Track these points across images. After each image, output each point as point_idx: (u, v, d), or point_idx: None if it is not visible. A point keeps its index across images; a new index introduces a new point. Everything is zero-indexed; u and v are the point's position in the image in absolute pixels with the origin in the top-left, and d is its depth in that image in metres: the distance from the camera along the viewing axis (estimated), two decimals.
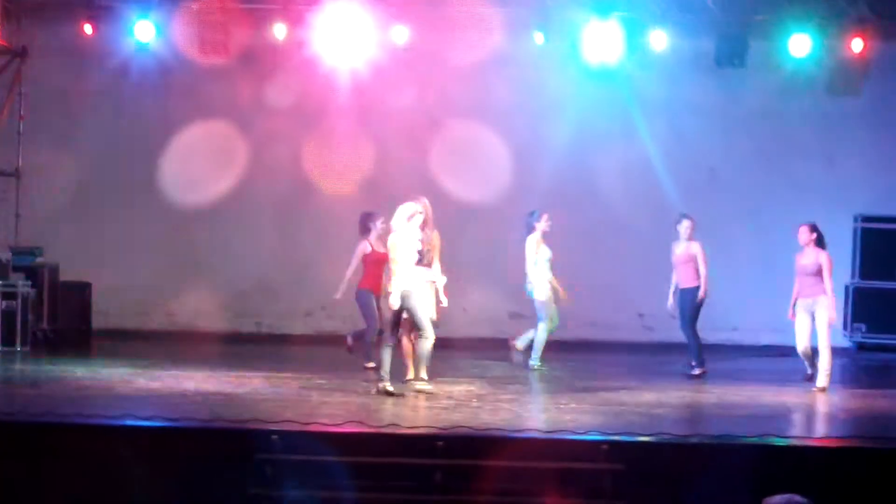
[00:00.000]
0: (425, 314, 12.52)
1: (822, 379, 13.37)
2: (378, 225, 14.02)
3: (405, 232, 12.53)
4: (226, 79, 18.41)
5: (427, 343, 12.48)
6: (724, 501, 9.12)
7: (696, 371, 14.57)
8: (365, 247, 14.03)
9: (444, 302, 13.24)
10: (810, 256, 13.52)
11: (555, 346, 15.01)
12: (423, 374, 12.67)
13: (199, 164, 18.49)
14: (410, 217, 12.56)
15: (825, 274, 13.40)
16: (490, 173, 18.11)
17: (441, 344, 14.25)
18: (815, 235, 13.63)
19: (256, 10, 17.74)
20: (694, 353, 14.70)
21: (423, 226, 13.05)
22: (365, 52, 17.60)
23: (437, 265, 13.20)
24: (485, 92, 18.45)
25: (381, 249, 13.70)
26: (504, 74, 18.32)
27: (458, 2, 17.63)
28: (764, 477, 9.15)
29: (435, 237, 13.24)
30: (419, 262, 13.04)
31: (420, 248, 12.97)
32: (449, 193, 17.35)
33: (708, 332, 17.22)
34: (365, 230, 14.14)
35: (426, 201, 13.19)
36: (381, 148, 18.43)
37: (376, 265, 13.87)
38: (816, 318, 13.40)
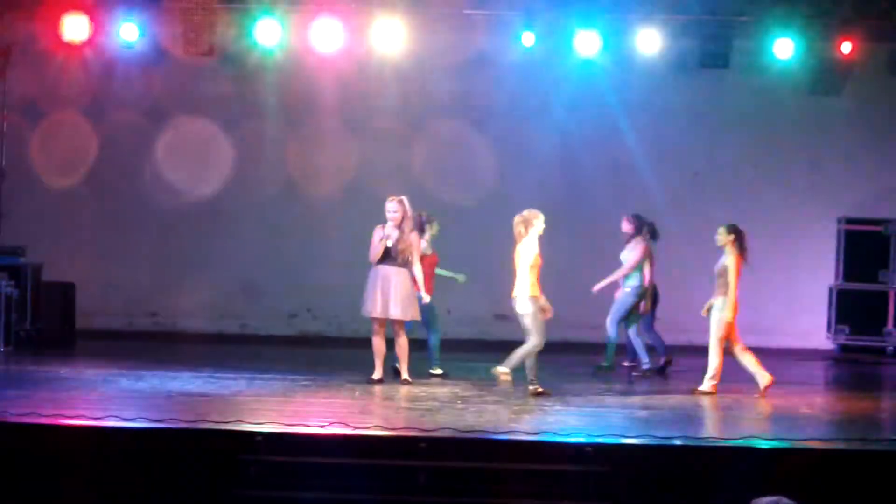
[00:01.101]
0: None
1: (705, 383, 13.30)
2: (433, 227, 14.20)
3: (532, 238, 12.69)
4: (210, 79, 18.39)
5: (534, 349, 12.66)
6: (707, 503, 9.15)
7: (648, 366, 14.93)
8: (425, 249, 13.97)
9: (426, 299, 13.37)
10: (722, 258, 13.45)
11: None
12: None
13: (183, 165, 18.53)
14: (531, 223, 12.74)
15: (730, 275, 13.28)
16: (475, 174, 18.14)
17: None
18: (732, 237, 13.56)
19: (240, 9, 17.71)
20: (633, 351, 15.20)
21: (401, 224, 13.03)
22: (351, 53, 17.65)
23: (417, 265, 13.17)
24: (470, 93, 18.46)
25: (429, 252, 13.95)
26: (489, 75, 18.33)
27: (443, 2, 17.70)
28: (749, 479, 9.17)
29: (413, 236, 13.17)
30: (395, 261, 13.02)
31: (399, 246, 12.97)
32: (434, 194, 17.38)
33: (693, 334, 17.30)
34: (420, 231, 14.02)
35: (405, 200, 13.16)
36: (366, 149, 18.42)
37: (431, 268, 14.03)
38: (711, 318, 13.33)
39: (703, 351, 13.90)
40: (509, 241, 14.29)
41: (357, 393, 12.52)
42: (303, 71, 18.06)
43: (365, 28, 17.39)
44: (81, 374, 13.70)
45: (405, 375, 13.29)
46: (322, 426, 10.13)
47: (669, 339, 15.66)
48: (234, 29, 17.70)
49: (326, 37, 17.26)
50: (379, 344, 13.21)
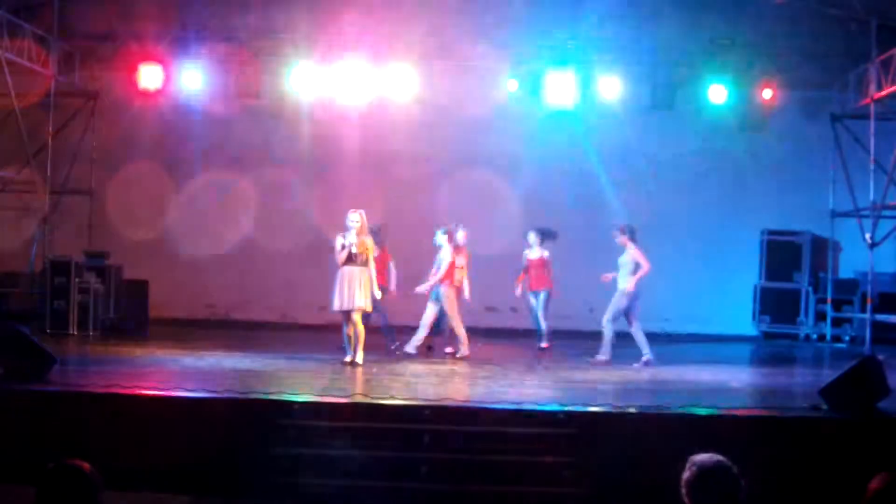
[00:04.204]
0: None
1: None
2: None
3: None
4: (258, 119, 18.42)
5: None
6: (656, 459, 9.13)
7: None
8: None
9: (379, 294, 12.97)
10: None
11: (521, 334, 15.00)
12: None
13: (233, 191, 18.59)
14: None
15: (443, 266, 13.78)
16: (473, 192, 18.16)
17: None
18: (446, 237, 13.90)
19: (283, 61, 17.72)
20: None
21: (359, 232, 12.72)
22: (373, 102, 17.67)
23: (372, 265, 12.80)
24: (471, 137, 18.49)
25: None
26: (484, 122, 18.32)
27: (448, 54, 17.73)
28: (689, 440, 9.15)
29: (369, 242, 12.81)
30: (355, 262, 12.71)
31: (359, 250, 12.66)
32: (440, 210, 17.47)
33: (643, 322, 17.31)
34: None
35: (363, 213, 12.85)
36: (386, 188, 18.42)
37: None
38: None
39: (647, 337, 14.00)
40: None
41: (374, 370, 12.51)
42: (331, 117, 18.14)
43: (383, 77, 17.42)
44: (153, 354, 13.73)
45: (358, 359, 12.79)
46: (346, 396, 10.13)
47: (625, 325, 15.60)
48: (276, 77, 17.74)
49: (349, 87, 17.30)
50: (350, 332, 12.91)
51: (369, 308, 12.95)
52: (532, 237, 14.91)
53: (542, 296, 14.84)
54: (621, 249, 13.79)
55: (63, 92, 17.41)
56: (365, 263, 12.76)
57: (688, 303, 18.16)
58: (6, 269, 18.10)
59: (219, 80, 17.88)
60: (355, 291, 12.68)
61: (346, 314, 12.83)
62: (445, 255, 13.81)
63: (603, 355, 13.46)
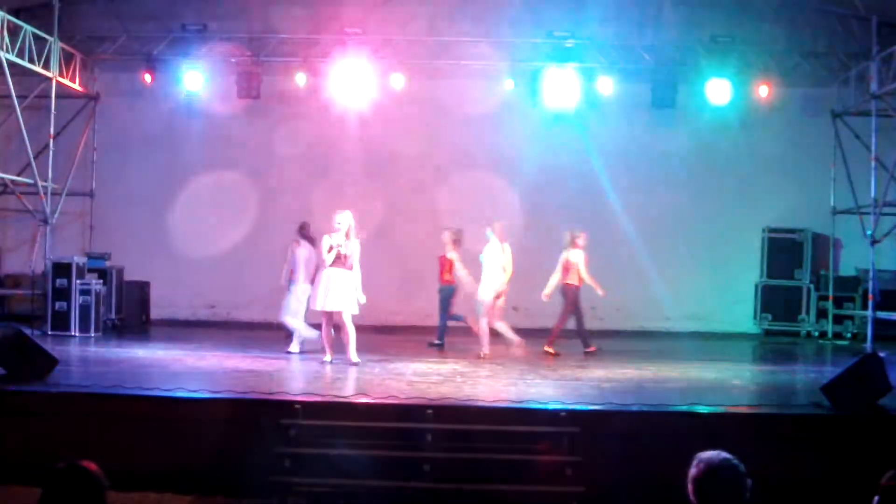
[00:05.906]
0: None
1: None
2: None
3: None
4: (258, 119, 18.41)
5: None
6: (658, 457, 9.10)
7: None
8: None
9: (363, 299, 12.79)
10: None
11: (522, 334, 14.92)
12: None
13: (234, 192, 18.57)
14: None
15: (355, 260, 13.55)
16: (473, 192, 18.11)
17: (431, 332, 14.18)
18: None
19: (282, 62, 17.78)
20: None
21: (346, 235, 12.59)
22: (370, 97, 17.68)
23: (357, 267, 12.69)
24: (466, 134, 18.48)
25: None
26: (483, 122, 18.30)
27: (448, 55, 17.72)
28: (691, 438, 9.12)
29: (355, 244, 12.67)
30: (340, 264, 12.58)
31: (347, 253, 12.54)
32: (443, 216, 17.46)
33: (645, 321, 17.35)
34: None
35: (349, 213, 12.70)
36: (385, 186, 18.43)
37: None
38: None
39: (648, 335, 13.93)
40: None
41: (376, 369, 12.47)
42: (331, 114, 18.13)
43: (383, 77, 17.44)
44: (155, 355, 13.69)
45: (353, 357, 12.75)
46: (347, 396, 10.10)
47: (627, 325, 15.60)
48: (277, 78, 17.78)
49: (349, 87, 17.32)
50: (326, 332, 12.91)
51: (355, 310, 12.75)
52: (447, 236, 14.94)
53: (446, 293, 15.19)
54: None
55: (64, 93, 17.38)
56: (350, 266, 12.61)
57: (689, 301, 18.16)
58: (8, 271, 18.13)
59: (219, 80, 17.90)
60: (337, 294, 12.55)
61: (328, 315, 12.79)
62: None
63: (513, 339, 13.91)
